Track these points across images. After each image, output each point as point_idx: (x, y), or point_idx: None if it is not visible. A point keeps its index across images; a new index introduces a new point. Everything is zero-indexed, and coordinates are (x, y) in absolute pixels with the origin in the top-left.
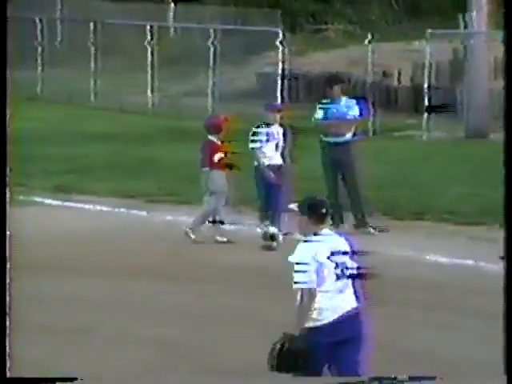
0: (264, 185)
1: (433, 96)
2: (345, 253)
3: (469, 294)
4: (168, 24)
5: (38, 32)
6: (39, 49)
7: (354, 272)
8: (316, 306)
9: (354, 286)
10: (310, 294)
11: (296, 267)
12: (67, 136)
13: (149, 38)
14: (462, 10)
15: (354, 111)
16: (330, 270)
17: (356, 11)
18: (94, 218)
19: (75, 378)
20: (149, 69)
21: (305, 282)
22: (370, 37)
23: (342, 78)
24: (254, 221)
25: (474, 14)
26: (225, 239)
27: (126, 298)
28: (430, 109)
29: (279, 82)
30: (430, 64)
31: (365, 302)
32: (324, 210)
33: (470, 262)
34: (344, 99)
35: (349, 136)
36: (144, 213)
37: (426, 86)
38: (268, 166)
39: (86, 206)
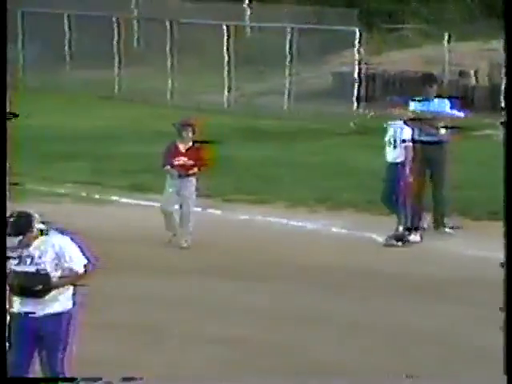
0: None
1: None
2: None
3: None
4: (244, 23)
5: (115, 31)
6: (116, 48)
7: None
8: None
9: None
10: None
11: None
12: (143, 135)
13: (225, 37)
14: None
15: (446, 110)
16: None
17: (432, 10)
18: None
19: (75, 378)
20: (225, 68)
21: None
22: (447, 36)
23: (437, 77)
24: (329, 221)
25: None
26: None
27: (202, 297)
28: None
29: (355, 81)
30: None
31: None
32: (27, 224)
33: None
34: (436, 99)
35: (441, 135)
36: (219, 212)
37: (503, 85)
38: (396, 163)
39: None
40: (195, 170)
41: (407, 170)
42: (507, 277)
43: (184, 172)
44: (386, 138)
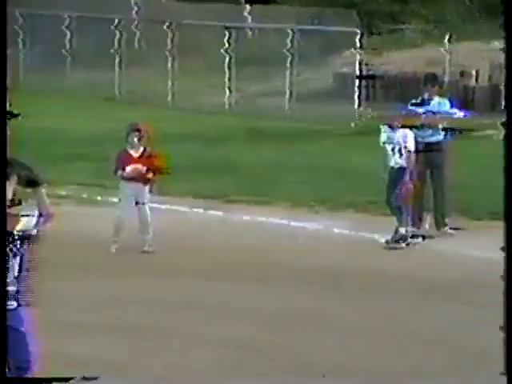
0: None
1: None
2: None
3: None
4: (244, 24)
5: (116, 32)
6: (117, 49)
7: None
8: None
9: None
10: None
11: None
12: None
13: (226, 38)
14: None
15: (445, 110)
16: None
17: (433, 11)
18: (172, 218)
19: (71, 378)
20: (226, 69)
21: None
22: (448, 36)
23: (438, 77)
24: (330, 222)
25: None
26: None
27: (203, 299)
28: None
29: (356, 82)
30: None
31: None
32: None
33: None
34: (436, 99)
35: (441, 135)
36: (221, 213)
37: (503, 85)
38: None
39: (163, 207)
40: (150, 175)
41: (409, 174)
42: (507, 276)
43: (139, 179)
44: (390, 146)
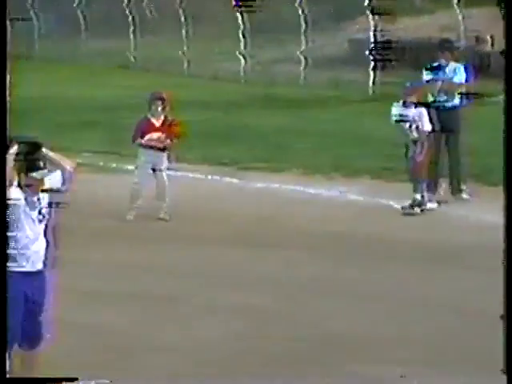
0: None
1: None
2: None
3: None
4: None
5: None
6: (130, 17)
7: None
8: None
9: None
10: None
11: None
12: None
13: (239, 4)
14: None
15: (461, 76)
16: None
17: None
18: (187, 185)
19: (75, 378)
20: (240, 36)
21: None
22: (460, 0)
23: (453, 43)
24: (345, 188)
25: None
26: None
27: (218, 266)
28: None
29: (371, 48)
30: None
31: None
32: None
33: None
34: (452, 64)
35: (456, 101)
36: (236, 180)
37: None
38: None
39: (179, 174)
40: (168, 142)
41: (420, 149)
42: (507, 277)
43: (160, 146)
44: (406, 124)
